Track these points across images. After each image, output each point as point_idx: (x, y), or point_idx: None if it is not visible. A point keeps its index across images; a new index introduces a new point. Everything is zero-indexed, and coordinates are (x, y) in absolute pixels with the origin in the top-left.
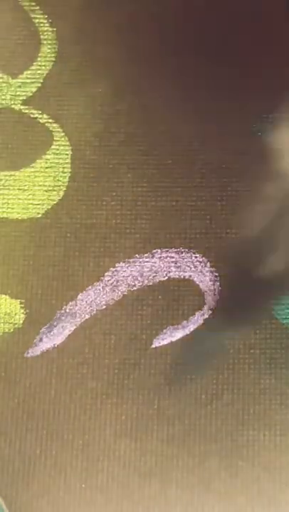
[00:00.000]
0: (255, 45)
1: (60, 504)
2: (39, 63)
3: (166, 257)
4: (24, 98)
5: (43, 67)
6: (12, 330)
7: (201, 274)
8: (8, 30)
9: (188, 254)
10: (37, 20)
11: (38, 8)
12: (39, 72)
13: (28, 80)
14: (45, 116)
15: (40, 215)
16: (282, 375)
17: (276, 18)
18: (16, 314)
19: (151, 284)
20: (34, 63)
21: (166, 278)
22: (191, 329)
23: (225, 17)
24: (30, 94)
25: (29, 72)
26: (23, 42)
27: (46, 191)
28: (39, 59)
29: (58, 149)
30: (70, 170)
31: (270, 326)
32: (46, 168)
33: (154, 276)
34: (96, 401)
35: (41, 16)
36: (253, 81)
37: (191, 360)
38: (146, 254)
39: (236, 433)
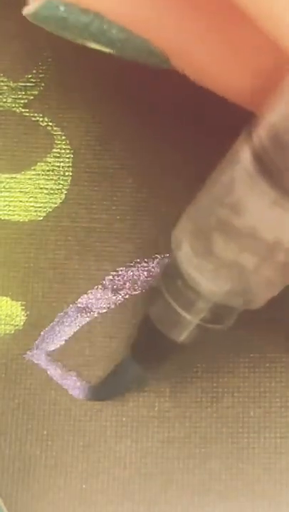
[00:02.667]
0: None
1: (60, 505)
2: (41, 67)
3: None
4: (25, 101)
5: (45, 71)
6: (13, 331)
7: None
8: (9, 34)
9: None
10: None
11: None
12: (41, 75)
13: (30, 84)
14: (46, 119)
15: (41, 218)
16: (282, 378)
17: None
18: (16, 316)
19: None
20: (35, 67)
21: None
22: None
23: None
24: (32, 97)
25: (30, 76)
26: (25, 46)
27: (47, 194)
28: (40, 63)
29: (59, 152)
30: (71, 173)
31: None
32: (47, 171)
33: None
34: (97, 403)
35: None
36: None
37: (110, 384)
38: (146, 259)
39: (236, 435)
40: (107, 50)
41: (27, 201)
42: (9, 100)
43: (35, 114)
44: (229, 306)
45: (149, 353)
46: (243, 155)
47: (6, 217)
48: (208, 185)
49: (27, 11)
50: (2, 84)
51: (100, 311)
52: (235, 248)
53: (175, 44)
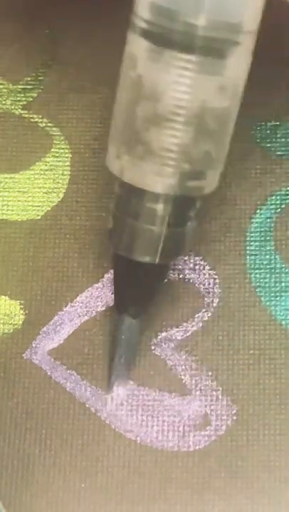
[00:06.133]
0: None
1: (59, 504)
2: (40, 70)
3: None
4: (24, 103)
5: (44, 74)
6: (12, 330)
7: (200, 277)
8: (9, 37)
9: (188, 257)
10: (37, 29)
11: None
12: (40, 78)
13: (29, 86)
14: (45, 120)
15: (39, 217)
16: (282, 376)
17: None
18: (15, 315)
19: None
20: (34, 70)
21: (166, 280)
22: (191, 331)
23: None
24: (31, 99)
25: (29, 78)
26: (24, 49)
27: (46, 193)
28: (39, 66)
29: (57, 152)
30: (69, 172)
31: (270, 326)
32: (46, 170)
33: None
34: (96, 401)
35: (41, 25)
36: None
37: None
38: None
39: (236, 433)
40: None
41: (25, 200)
42: (8, 102)
43: (34, 116)
44: (186, 197)
45: (135, 295)
46: (136, 43)
47: (5, 217)
48: (119, 96)
49: None
50: (1, 86)
51: (99, 310)
52: (166, 133)
53: None
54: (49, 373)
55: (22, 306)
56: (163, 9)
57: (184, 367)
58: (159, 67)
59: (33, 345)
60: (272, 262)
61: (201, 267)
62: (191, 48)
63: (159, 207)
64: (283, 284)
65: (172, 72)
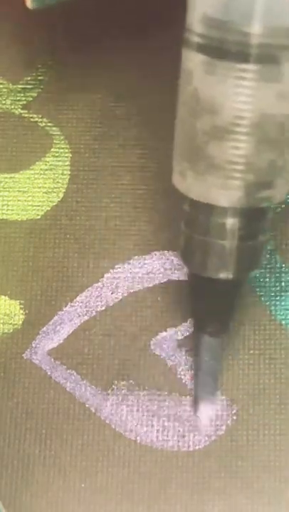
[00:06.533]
0: None
1: (59, 504)
2: (40, 69)
3: (166, 259)
4: (24, 103)
5: (44, 74)
6: (11, 330)
7: None
8: (8, 37)
9: None
10: (36, 29)
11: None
12: (39, 78)
13: (29, 86)
14: (45, 120)
15: (39, 217)
16: (282, 375)
17: None
18: (15, 315)
19: (150, 285)
20: (34, 69)
21: (166, 280)
22: (191, 331)
23: None
24: (31, 99)
25: (29, 78)
26: (24, 49)
27: (46, 193)
28: (39, 65)
29: (57, 152)
30: (69, 172)
31: (270, 326)
32: (46, 170)
33: (153, 278)
34: (96, 401)
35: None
36: None
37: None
38: (145, 256)
39: (236, 432)
40: None
41: (25, 200)
42: (8, 102)
43: (34, 115)
44: (254, 208)
45: (213, 313)
46: (191, 58)
47: (5, 217)
48: (178, 113)
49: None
50: (1, 86)
51: (99, 309)
52: (228, 145)
53: None
54: (49, 373)
55: (22, 306)
56: (216, 21)
57: (184, 367)
58: (215, 80)
59: (33, 345)
60: (272, 261)
61: None
62: (246, 57)
63: (228, 221)
64: (283, 284)
65: (229, 83)
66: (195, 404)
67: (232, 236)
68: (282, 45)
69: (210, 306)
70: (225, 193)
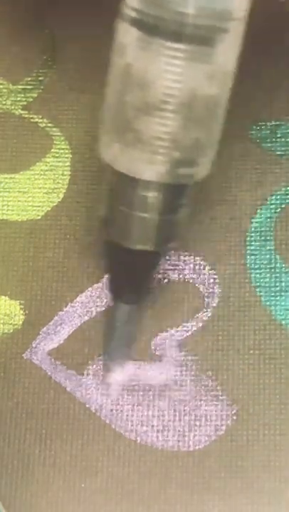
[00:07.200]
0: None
1: (59, 504)
2: (40, 70)
3: (166, 260)
4: (25, 103)
5: (44, 74)
6: (11, 331)
7: (201, 277)
8: (9, 38)
9: (188, 257)
10: (37, 29)
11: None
12: (40, 78)
13: (29, 87)
14: (45, 120)
15: (39, 217)
16: (282, 375)
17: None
18: (15, 315)
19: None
20: (35, 70)
21: (166, 280)
22: (191, 331)
23: None
24: (31, 99)
25: (30, 78)
26: (24, 49)
27: (46, 193)
28: (40, 66)
29: (57, 152)
30: (69, 173)
31: (270, 326)
32: (46, 170)
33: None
34: (96, 401)
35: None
36: (251, 88)
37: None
38: None
39: (236, 432)
40: None
41: (25, 201)
42: (8, 102)
43: (35, 116)
44: (177, 184)
45: (130, 282)
46: (126, 32)
47: (5, 217)
48: (109, 85)
49: None
50: (1, 87)
51: (99, 310)
52: (156, 121)
53: None
54: (49, 373)
55: (22, 306)
56: None
57: (184, 367)
58: (148, 56)
59: (33, 345)
60: (272, 261)
61: (201, 267)
62: (180, 36)
63: (151, 194)
64: (283, 284)
65: (161, 61)
66: (105, 370)
67: (153, 209)
68: (216, 27)
69: (127, 275)
70: (149, 168)
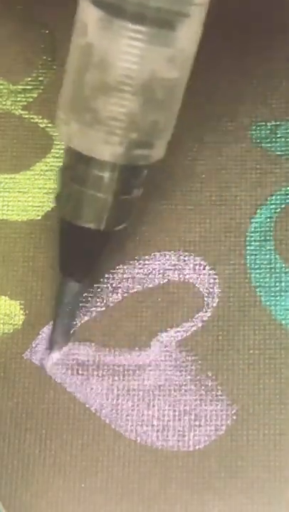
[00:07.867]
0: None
1: (59, 504)
2: (40, 70)
3: (166, 260)
4: (25, 104)
5: (44, 74)
6: (12, 330)
7: (201, 277)
8: (9, 38)
9: (188, 257)
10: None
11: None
12: (40, 78)
13: (29, 87)
14: (45, 120)
15: (39, 217)
16: (282, 375)
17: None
18: (15, 315)
19: (150, 286)
20: (35, 70)
21: (166, 280)
22: (191, 331)
23: (220, 24)
24: (31, 99)
25: (30, 78)
26: (24, 50)
27: (46, 194)
28: (40, 66)
29: (58, 153)
30: None
31: (269, 326)
32: (46, 171)
33: (153, 279)
34: (96, 401)
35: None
36: (251, 88)
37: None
38: (145, 257)
39: (236, 432)
40: None
41: (26, 201)
42: (8, 103)
43: (35, 116)
44: (133, 165)
45: (79, 260)
46: (88, 11)
47: (5, 217)
48: (69, 63)
49: None
50: (1, 87)
51: (99, 309)
52: (114, 102)
53: None
54: (49, 373)
55: (22, 306)
56: None
57: (183, 367)
58: (109, 37)
59: (33, 345)
60: (272, 262)
61: (201, 267)
62: (141, 18)
63: (106, 174)
64: (283, 284)
65: (122, 42)
66: (50, 346)
67: (107, 189)
68: (178, 11)
69: (77, 252)
70: (106, 148)
